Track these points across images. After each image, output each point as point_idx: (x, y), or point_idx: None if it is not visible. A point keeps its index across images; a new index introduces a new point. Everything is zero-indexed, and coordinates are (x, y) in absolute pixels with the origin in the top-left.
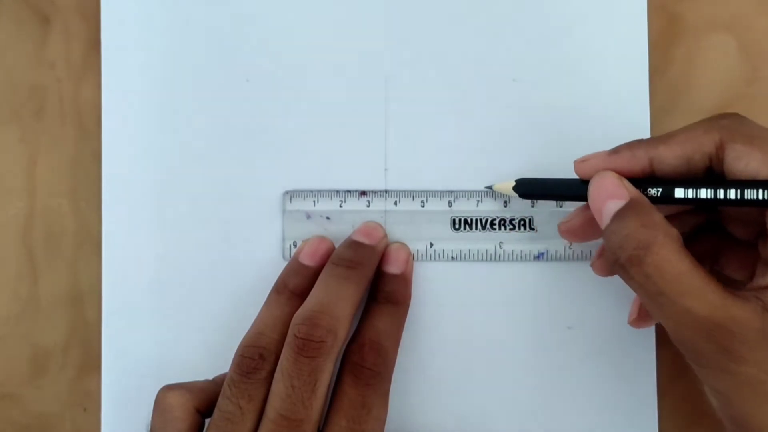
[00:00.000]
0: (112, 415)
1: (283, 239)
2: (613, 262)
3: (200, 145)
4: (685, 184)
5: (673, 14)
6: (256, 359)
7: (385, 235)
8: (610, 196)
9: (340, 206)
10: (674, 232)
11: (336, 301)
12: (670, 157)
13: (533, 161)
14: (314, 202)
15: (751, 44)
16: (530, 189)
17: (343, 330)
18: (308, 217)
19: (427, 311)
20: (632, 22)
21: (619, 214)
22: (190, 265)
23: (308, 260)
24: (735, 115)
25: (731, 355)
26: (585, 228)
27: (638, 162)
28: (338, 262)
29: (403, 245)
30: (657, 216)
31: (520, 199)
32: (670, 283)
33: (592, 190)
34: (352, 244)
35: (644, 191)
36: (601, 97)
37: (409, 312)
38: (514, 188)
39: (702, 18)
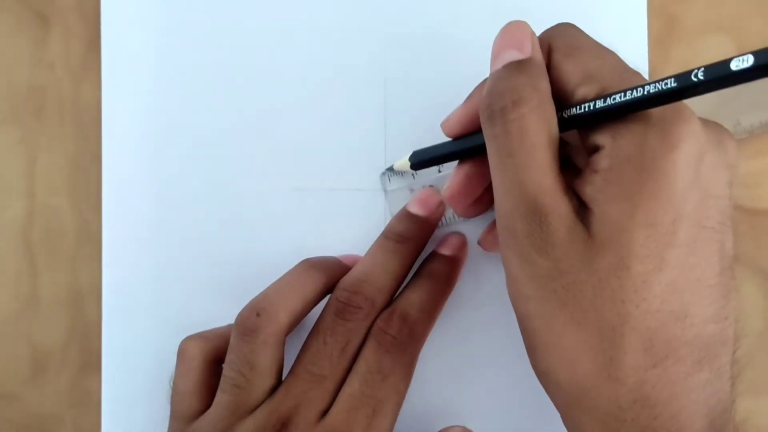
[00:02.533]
0: (113, 414)
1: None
2: (485, 107)
3: (200, 145)
4: None
5: (670, 15)
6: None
7: (442, 203)
8: (514, 45)
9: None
10: (551, 108)
11: (380, 272)
12: None
13: None
14: (413, 174)
15: (748, 45)
16: (421, 158)
17: (381, 300)
18: (411, 190)
19: None
20: (632, 24)
21: (514, 65)
22: (189, 264)
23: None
24: (562, 25)
25: (536, 241)
26: (467, 187)
27: None
28: (388, 236)
29: (461, 234)
30: (545, 85)
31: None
32: (523, 148)
33: (501, 34)
34: (404, 217)
35: None
36: None
37: None
38: (410, 160)
39: (700, 19)
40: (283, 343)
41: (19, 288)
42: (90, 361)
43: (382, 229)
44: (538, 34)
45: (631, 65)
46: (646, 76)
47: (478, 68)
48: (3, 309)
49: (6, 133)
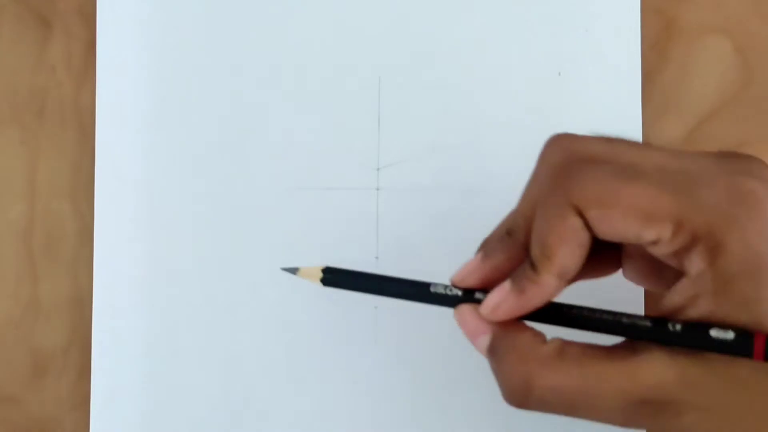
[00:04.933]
0: (101, 414)
1: None
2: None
3: (194, 146)
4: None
5: (668, 17)
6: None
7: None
8: (475, 333)
9: None
10: (548, 350)
11: None
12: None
13: (524, 163)
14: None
15: (746, 47)
16: (338, 278)
17: None
18: None
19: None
20: (625, 26)
21: (491, 352)
22: (183, 267)
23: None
24: (570, 175)
25: (666, 419)
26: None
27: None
28: None
29: None
30: (525, 339)
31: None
32: (574, 399)
33: (461, 328)
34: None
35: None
36: (592, 100)
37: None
38: (322, 279)
39: (697, 20)
40: None
41: (20, 291)
42: (90, 364)
43: (374, 228)
44: (538, 36)
45: (625, 68)
46: (638, 79)
47: (472, 69)
48: (3, 312)
49: (7, 136)
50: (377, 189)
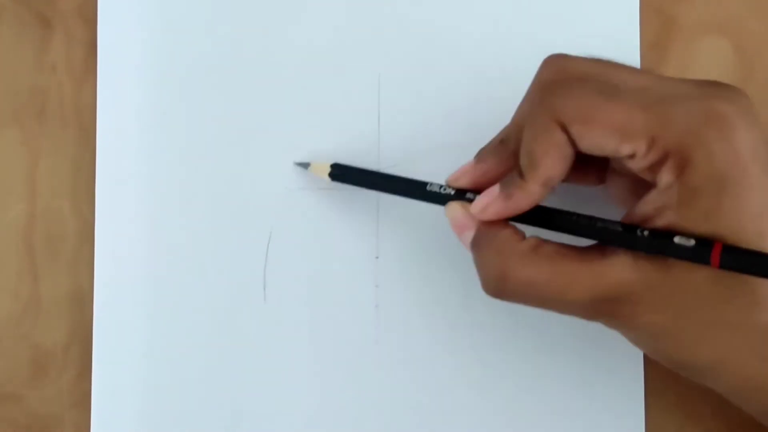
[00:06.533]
0: (103, 413)
1: None
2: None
3: (197, 146)
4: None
5: (667, 16)
6: None
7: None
8: (461, 228)
9: None
10: (523, 246)
11: None
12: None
13: None
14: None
15: (746, 46)
16: (346, 173)
17: None
18: None
19: (420, 309)
20: (625, 25)
21: (474, 245)
22: (184, 266)
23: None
24: (558, 83)
25: (622, 317)
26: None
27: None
28: None
29: None
30: (504, 235)
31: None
32: (544, 291)
33: (450, 223)
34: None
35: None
36: None
37: (399, 310)
38: (330, 174)
39: (697, 20)
40: None
41: (21, 289)
42: (91, 363)
43: (375, 228)
44: (537, 35)
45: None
46: None
47: (472, 66)
48: (4, 310)
49: (8, 136)
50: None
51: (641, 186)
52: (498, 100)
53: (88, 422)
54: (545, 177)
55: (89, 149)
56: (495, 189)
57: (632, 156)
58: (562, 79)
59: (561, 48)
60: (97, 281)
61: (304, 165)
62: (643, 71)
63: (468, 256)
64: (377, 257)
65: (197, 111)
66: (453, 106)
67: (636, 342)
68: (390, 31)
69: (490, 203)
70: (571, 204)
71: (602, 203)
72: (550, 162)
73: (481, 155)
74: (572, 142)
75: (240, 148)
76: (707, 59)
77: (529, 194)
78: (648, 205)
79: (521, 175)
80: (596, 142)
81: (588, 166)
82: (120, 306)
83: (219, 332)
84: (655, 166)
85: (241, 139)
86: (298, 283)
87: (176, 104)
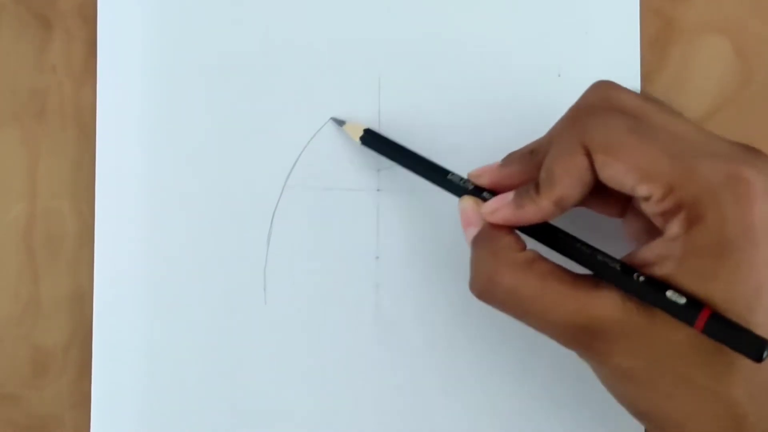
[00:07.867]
0: (102, 413)
1: None
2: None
3: (197, 146)
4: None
5: (667, 16)
6: None
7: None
8: (468, 223)
9: None
10: (520, 257)
11: None
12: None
13: None
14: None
15: (745, 46)
16: (376, 140)
17: None
18: None
19: (420, 309)
20: (625, 26)
21: (474, 242)
22: (184, 266)
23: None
24: (590, 118)
25: (597, 352)
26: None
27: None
28: None
29: None
30: (504, 241)
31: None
32: (527, 305)
33: (460, 215)
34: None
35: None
36: None
37: (400, 310)
38: (361, 137)
39: (696, 20)
40: None
41: (21, 290)
42: (91, 363)
43: (375, 228)
44: (537, 35)
45: (623, 66)
46: (637, 76)
47: (472, 66)
48: (4, 311)
49: (7, 136)
50: (378, 190)
51: (654, 231)
52: (498, 100)
53: (88, 422)
54: (559, 196)
55: (89, 149)
56: (509, 196)
57: (647, 198)
58: (602, 107)
59: (561, 48)
60: (97, 281)
61: (340, 122)
62: (685, 120)
63: (468, 257)
64: (377, 258)
65: (197, 111)
66: (453, 106)
67: (604, 381)
68: (390, 31)
69: (500, 208)
70: (584, 225)
71: (614, 234)
72: (567, 182)
73: (508, 160)
74: (593, 170)
75: (240, 148)
76: (707, 59)
77: (539, 209)
78: (652, 250)
79: (537, 188)
80: (616, 176)
81: (610, 197)
82: (120, 306)
83: (219, 332)
84: (668, 215)
85: (241, 139)
86: (298, 283)
87: (176, 104)
